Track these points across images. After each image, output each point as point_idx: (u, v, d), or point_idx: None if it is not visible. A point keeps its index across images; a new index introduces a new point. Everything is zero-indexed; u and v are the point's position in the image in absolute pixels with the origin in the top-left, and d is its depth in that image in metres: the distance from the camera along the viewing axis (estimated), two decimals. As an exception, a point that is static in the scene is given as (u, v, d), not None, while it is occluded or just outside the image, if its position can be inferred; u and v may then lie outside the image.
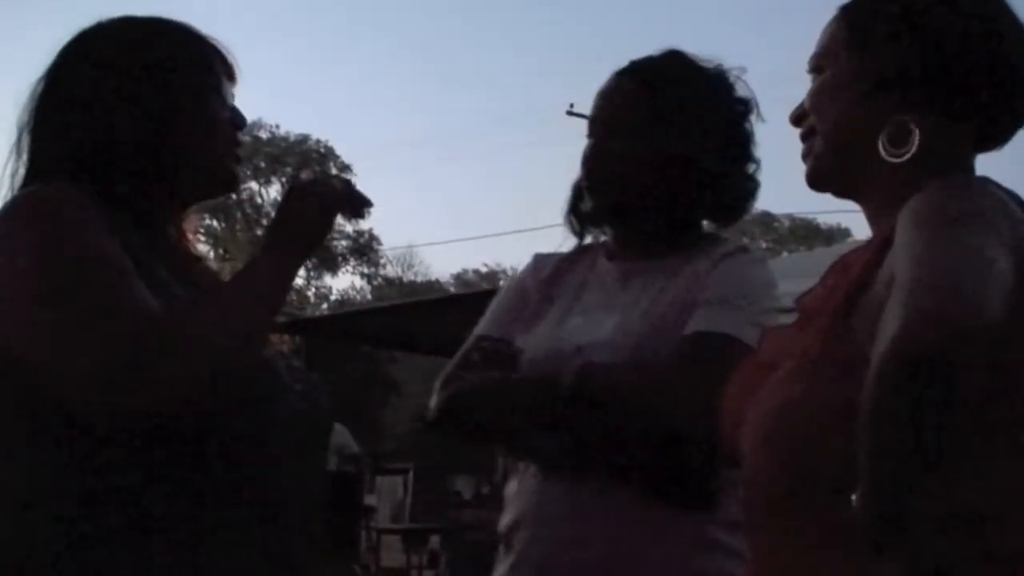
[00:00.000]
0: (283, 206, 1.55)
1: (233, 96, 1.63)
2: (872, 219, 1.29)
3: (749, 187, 1.99)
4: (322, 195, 1.55)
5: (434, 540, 11.84)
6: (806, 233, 36.87)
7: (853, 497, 0.97)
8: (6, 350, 1.38)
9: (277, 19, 55.25)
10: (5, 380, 1.41)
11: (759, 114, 1.99)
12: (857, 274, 1.18)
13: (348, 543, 10.68)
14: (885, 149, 1.24)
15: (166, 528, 1.38)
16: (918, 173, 1.20)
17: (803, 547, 1.15)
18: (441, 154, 58.77)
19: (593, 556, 1.81)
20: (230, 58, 1.63)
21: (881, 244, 1.16)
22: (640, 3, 60.70)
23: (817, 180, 1.36)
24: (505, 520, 1.96)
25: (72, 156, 1.49)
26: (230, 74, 1.62)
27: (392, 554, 11.74)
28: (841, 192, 1.35)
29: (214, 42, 1.61)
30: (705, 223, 2.04)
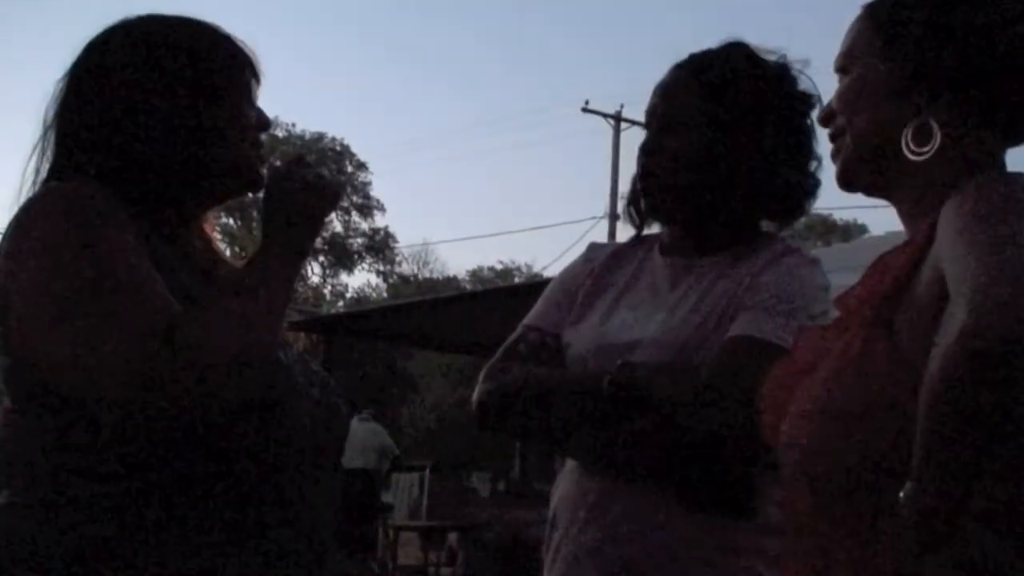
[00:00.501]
0: (286, 196, 1.53)
1: (257, 95, 1.63)
2: (906, 218, 1.29)
3: (809, 185, 1.94)
4: (322, 186, 1.55)
5: (452, 537, 11.84)
6: (823, 229, 36.70)
7: (902, 493, 0.96)
8: (24, 350, 1.38)
9: (292, 17, 55.35)
10: (23, 382, 1.41)
11: (822, 108, 1.95)
12: (898, 273, 1.17)
13: (366, 541, 10.71)
14: (908, 148, 1.23)
15: (183, 530, 1.38)
16: (950, 171, 1.20)
17: (848, 548, 1.14)
18: (456, 151, 58.84)
19: (630, 555, 1.80)
20: (255, 60, 1.63)
21: (922, 243, 1.15)
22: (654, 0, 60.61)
23: (847, 180, 1.35)
24: (552, 506, 1.96)
25: (96, 155, 1.49)
26: (256, 76, 1.62)
27: (409, 551, 11.76)
28: (871, 191, 1.35)
29: (241, 44, 1.61)
30: (764, 223, 1.99)
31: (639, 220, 2.06)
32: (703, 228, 1.96)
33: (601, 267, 2.05)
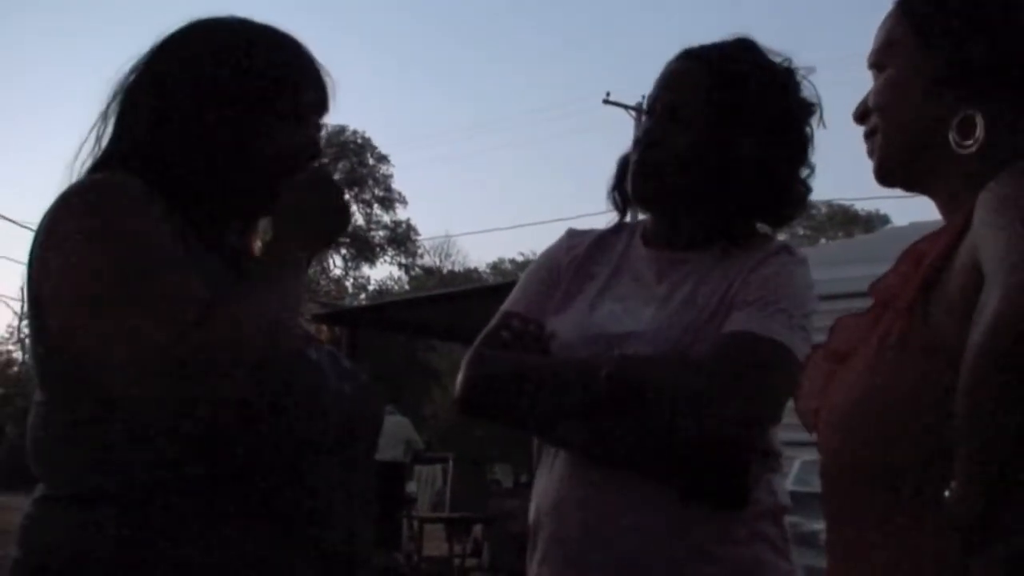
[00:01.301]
0: (303, 199, 1.53)
1: (318, 122, 1.60)
2: (944, 210, 1.29)
3: (802, 191, 1.95)
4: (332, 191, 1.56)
5: (476, 529, 11.87)
6: (844, 220, 36.55)
7: (947, 492, 0.95)
8: (59, 338, 1.39)
9: (313, 9, 55.35)
10: (59, 372, 1.42)
11: (822, 118, 1.95)
12: (933, 261, 1.17)
13: (391, 533, 10.74)
14: (955, 142, 1.23)
15: (218, 523, 1.39)
16: (987, 163, 1.20)
17: (889, 539, 1.14)
18: (478, 144, 58.77)
19: (625, 548, 1.79)
20: (328, 83, 1.60)
21: (958, 231, 1.15)
22: (675, -11, 60.30)
23: (885, 176, 1.35)
24: (533, 510, 1.93)
25: (140, 152, 1.49)
26: (321, 99, 1.60)
27: (434, 543, 11.79)
28: (909, 186, 1.35)
29: (314, 63, 1.59)
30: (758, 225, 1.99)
31: (623, 206, 2.05)
32: (696, 223, 1.95)
33: (584, 254, 2.03)
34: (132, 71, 1.56)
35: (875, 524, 1.16)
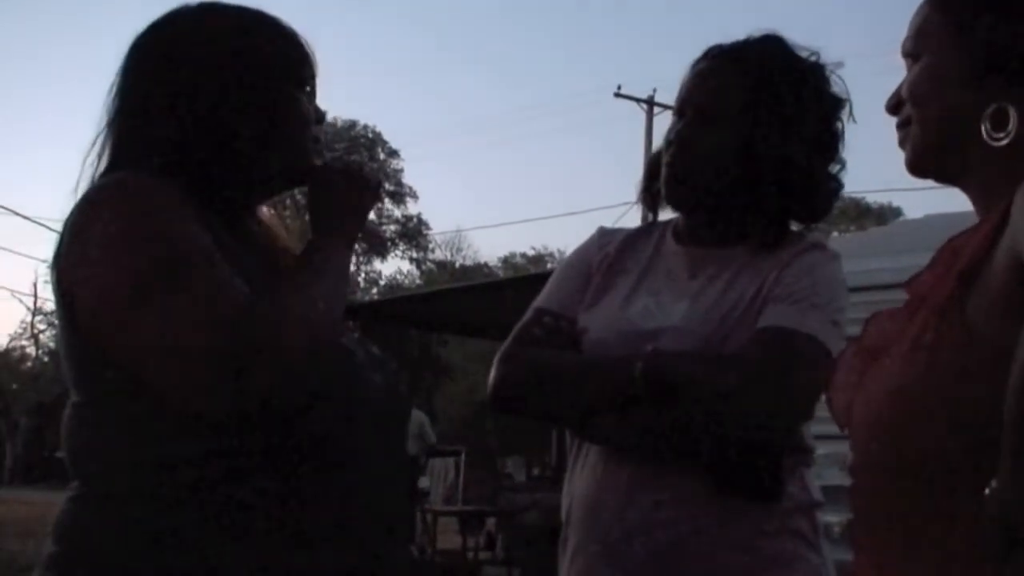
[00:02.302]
0: (334, 189, 1.57)
1: (314, 91, 1.63)
2: (979, 204, 1.27)
3: (833, 188, 1.95)
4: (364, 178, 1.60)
5: (490, 522, 11.87)
6: (856, 213, 36.40)
7: (988, 490, 0.94)
8: (99, 337, 1.39)
9: (324, 5, 55.39)
10: (97, 371, 1.42)
11: (852, 114, 1.95)
12: (970, 258, 1.16)
13: (408, 519, 10.75)
14: (988, 134, 1.22)
15: (255, 520, 1.39)
16: (1022, 157, 1.19)
17: (923, 539, 1.14)
18: (488, 138, 58.73)
19: (661, 543, 1.80)
20: (313, 55, 1.63)
21: (995, 227, 1.14)
22: (687, -18, 60.15)
23: (919, 167, 1.33)
24: (564, 504, 1.95)
25: (155, 146, 1.49)
26: (313, 71, 1.63)
27: (448, 536, 11.79)
28: (942, 178, 1.33)
29: (301, 38, 1.62)
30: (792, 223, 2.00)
31: (654, 205, 2.06)
32: (726, 221, 1.95)
33: (615, 252, 2.04)
34: (136, 68, 1.55)
35: (907, 522, 1.15)
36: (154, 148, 1.49)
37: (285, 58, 1.57)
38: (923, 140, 1.31)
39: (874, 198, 36.13)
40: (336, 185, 1.56)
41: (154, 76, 1.53)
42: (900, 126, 1.35)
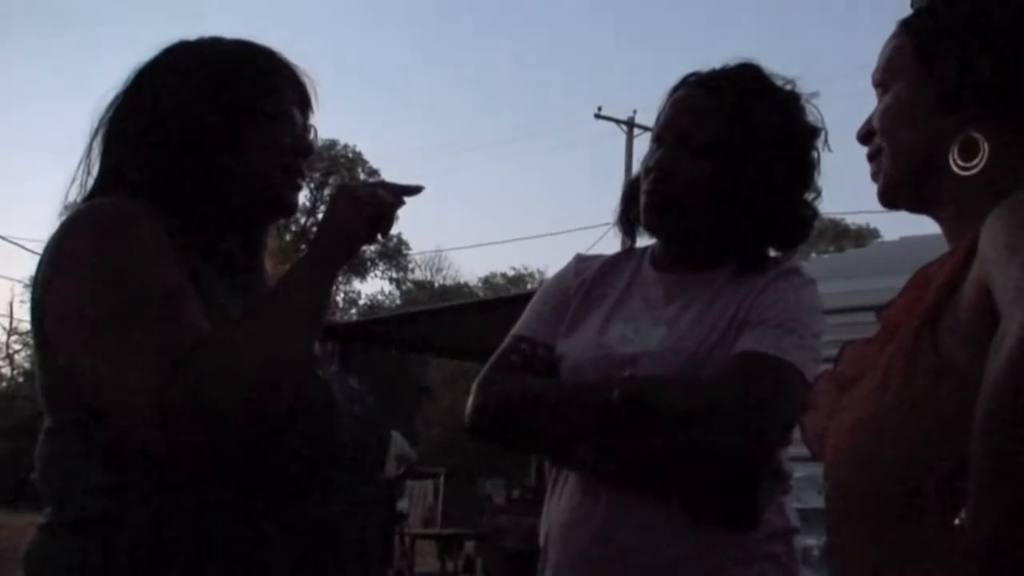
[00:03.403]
0: (332, 210, 1.54)
1: (304, 122, 1.62)
2: (950, 233, 1.28)
3: (809, 215, 1.97)
4: (372, 204, 1.54)
5: (469, 545, 11.84)
6: (835, 234, 36.56)
7: (958, 520, 0.94)
8: (63, 367, 1.39)
9: (303, 25, 55.45)
10: (63, 399, 1.42)
11: (827, 142, 1.97)
12: (941, 285, 1.16)
13: (384, 549, 10.71)
14: (955, 163, 1.23)
15: (222, 550, 1.38)
16: (993, 185, 1.19)
17: (893, 567, 1.13)
18: (469, 158, 58.84)
19: (638, 569, 1.80)
20: (307, 84, 1.63)
21: (965, 255, 1.14)
22: (667, 7, 60.53)
23: (890, 198, 1.34)
24: (543, 531, 1.94)
25: (135, 172, 1.50)
26: (303, 100, 1.62)
27: (427, 559, 11.77)
28: (914, 208, 1.34)
29: (292, 67, 1.62)
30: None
31: (632, 231, 2.07)
32: (704, 247, 1.97)
33: (592, 278, 2.05)
34: (118, 96, 1.57)
35: (879, 551, 1.15)
36: (132, 172, 1.50)
37: (263, 89, 1.57)
38: (893, 171, 1.31)
39: (852, 219, 36.31)
40: (337, 205, 1.54)
41: (132, 106, 1.55)
42: (871, 157, 1.35)
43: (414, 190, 1.61)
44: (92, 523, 1.39)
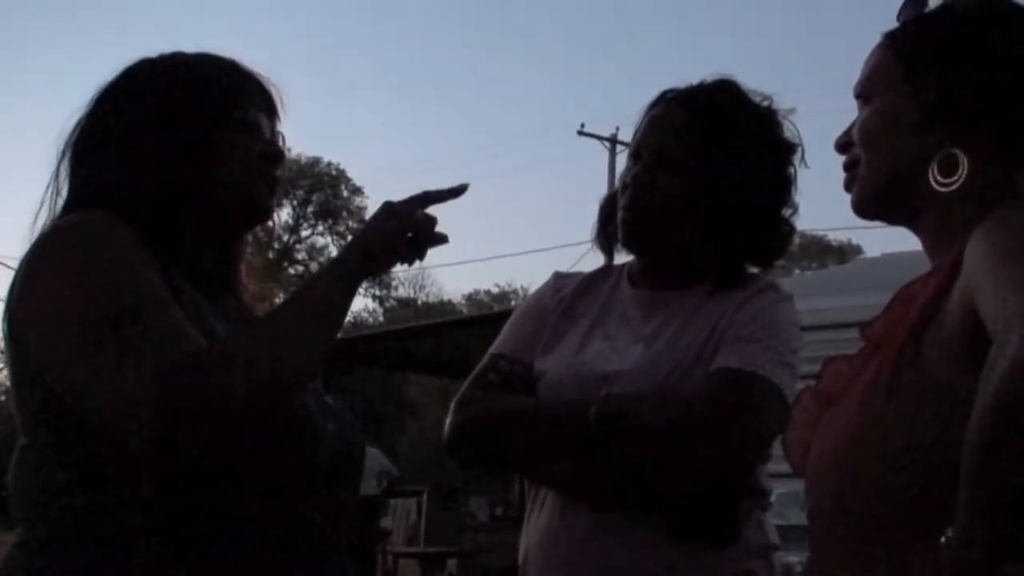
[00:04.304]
0: (366, 224, 1.55)
1: (272, 130, 1.62)
2: (931, 247, 1.28)
3: (786, 231, 1.98)
4: (402, 222, 1.55)
5: (452, 563, 11.80)
6: (817, 250, 36.72)
7: (944, 538, 0.93)
8: (46, 383, 1.38)
9: (288, 42, 55.47)
10: (45, 415, 1.40)
11: (804, 159, 1.98)
12: (925, 302, 1.16)
13: (366, 567, 10.66)
14: (935, 180, 1.23)
15: (197, 567, 1.37)
16: (975, 200, 1.19)
17: None
18: (452, 175, 58.83)
19: None
20: (272, 92, 1.63)
21: (948, 273, 1.14)
22: (648, 23, 60.84)
23: (865, 209, 1.34)
24: (522, 550, 1.94)
25: (108, 188, 1.49)
26: (270, 108, 1.62)
27: (409, 577, 11.72)
28: (889, 220, 1.34)
29: (256, 76, 1.62)
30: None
31: (609, 247, 2.07)
32: (681, 264, 1.97)
33: (571, 296, 2.05)
34: (84, 117, 1.57)
35: (863, 570, 1.14)
36: (105, 189, 1.49)
37: (230, 99, 1.57)
38: (871, 183, 1.31)
39: (835, 236, 36.47)
40: (371, 220, 1.55)
41: (99, 125, 1.55)
42: (848, 167, 1.35)
43: (458, 192, 1.62)
44: (66, 540, 1.38)
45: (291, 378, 1.41)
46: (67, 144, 1.56)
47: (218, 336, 1.43)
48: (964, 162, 1.22)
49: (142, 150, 1.50)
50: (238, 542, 1.39)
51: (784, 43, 61.58)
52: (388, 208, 1.56)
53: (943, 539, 0.93)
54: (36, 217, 1.53)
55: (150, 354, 1.31)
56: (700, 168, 1.90)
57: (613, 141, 24.88)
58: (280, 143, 1.64)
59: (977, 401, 0.89)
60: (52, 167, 1.56)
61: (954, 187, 1.22)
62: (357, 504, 1.59)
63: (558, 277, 2.11)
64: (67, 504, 1.39)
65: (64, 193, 1.54)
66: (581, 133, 25.65)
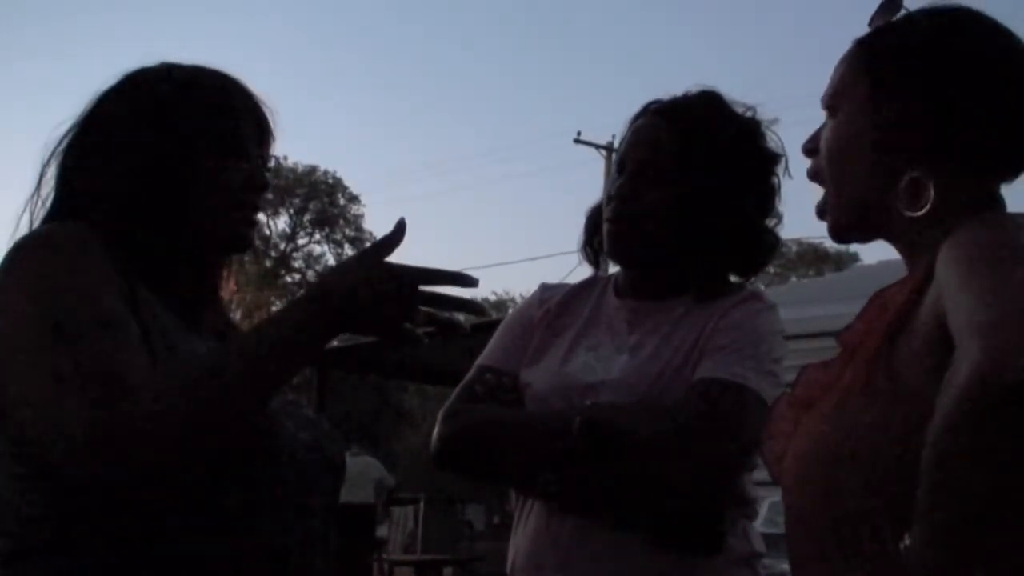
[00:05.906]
0: (336, 271, 1.48)
1: (262, 155, 1.59)
2: (905, 257, 1.28)
3: (770, 241, 1.99)
4: (394, 278, 1.42)
5: (448, 572, 11.79)
6: (814, 258, 36.74)
7: (903, 544, 0.94)
8: (2, 394, 1.35)
9: (283, 51, 55.56)
10: (5, 425, 1.38)
11: (787, 169, 1.99)
12: (898, 309, 1.17)
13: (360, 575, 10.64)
14: (903, 207, 1.22)
15: None
16: (945, 215, 1.18)
17: None
18: (448, 183, 58.93)
19: None
20: (266, 114, 1.60)
21: (921, 279, 1.15)
22: (644, 32, 60.94)
23: (840, 235, 1.34)
24: (509, 560, 1.95)
25: (83, 199, 1.48)
26: (260, 130, 1.59)
27: (405, 586, 11.70)
28: (866, 240, 1.35)
29: (249, 95, 1.58)
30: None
31: (596, 259, 2.08)
32: (666, 274, 1.98)
33: (556, 308, 2.06)
34: (72, 126, 1.55)
35: (837, 574, 1.14)
36: (84, 205, 1.48)
37: (217, 121, 1.53)
38: (843, 215, 1.31)
39: (832, 243, 36.44)
40: (340, 269, 1.47)
41: (86, 136, 1.53)
42: (812, 176, 1.35)
43: (468, 282, 1.51)
44: (31, 553, 1.36)
45: (236, 418, 1.36)
46: (52, 154, 1.55)
47: (175, 357, 1.39)
48: (930, 187, 1.20)
49: (119, 164, 1.49)
50: (196, 556, 1.36)
51: (781, 54, 61.71)
52: (388, 268, 1.43)
53: (901, 545, 0.94)
54: (16, 227, 1.52)
55: (87, 379, 1.28)
56: (683, 179, 1.91)
57: (609, 149, 24.88)
58: (268, 167, 1.61)
59: (936, 408, 0.89)
60: (35, 176, 1.54)
61: (923, 211, 1.21)
62: (333, 514, 1.56)
63: (544, 289, 2.12)
64: (29, 516, 1.37)
65: (48, 203, 1.53)
66: (577, 141, 25.69)
